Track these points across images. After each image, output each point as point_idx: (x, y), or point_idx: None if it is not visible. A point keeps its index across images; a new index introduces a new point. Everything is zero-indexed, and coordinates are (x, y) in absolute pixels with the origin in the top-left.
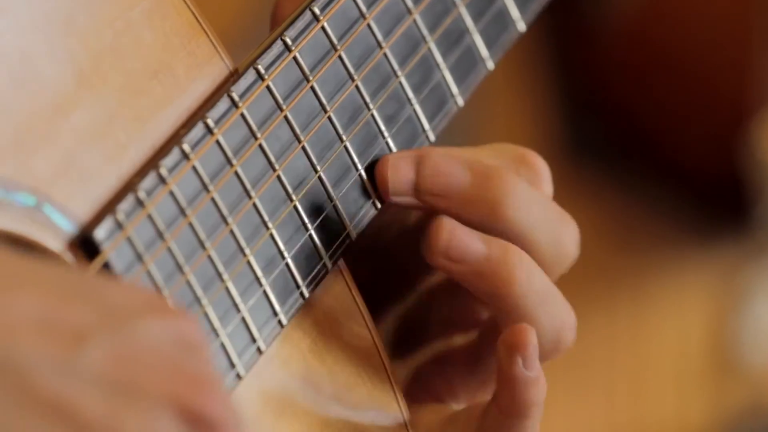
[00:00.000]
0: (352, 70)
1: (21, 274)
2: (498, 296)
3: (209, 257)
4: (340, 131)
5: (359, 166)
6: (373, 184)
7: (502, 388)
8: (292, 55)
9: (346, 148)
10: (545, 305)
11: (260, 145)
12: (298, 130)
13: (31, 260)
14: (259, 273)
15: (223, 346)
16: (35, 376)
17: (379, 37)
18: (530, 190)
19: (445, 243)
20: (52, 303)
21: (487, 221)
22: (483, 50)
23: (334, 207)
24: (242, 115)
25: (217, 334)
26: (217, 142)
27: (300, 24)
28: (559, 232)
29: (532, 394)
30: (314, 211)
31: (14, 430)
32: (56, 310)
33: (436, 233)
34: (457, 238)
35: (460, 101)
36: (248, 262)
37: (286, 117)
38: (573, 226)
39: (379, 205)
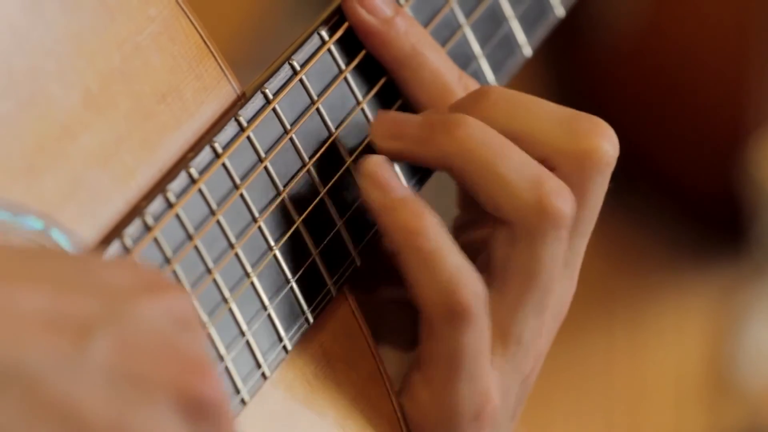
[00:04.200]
0: (358, 93)
1: (19, 268)
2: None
3: (214, 281)
4: (345, 155)
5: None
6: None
7: (377, 220)
8: (298, 78)
9: (350, 171)
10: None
11: (266, 169)
12: (304, 154)
13: (24, 250)
14: (264, 297)
15: (227, 370)
16: (42, 379)
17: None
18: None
19: None
20: (51, 297)
21: None
22: (489, 75)
23: (339, 231)
24: (249, 139)
25: (222, 359)
26: (224, 165)
27: (307, 48)
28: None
29: (401, 216)
30: (319, 235)
31: None
32: (58, 304)
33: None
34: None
35: None
36: (253, 286)
37: (292, 140)
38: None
39: None
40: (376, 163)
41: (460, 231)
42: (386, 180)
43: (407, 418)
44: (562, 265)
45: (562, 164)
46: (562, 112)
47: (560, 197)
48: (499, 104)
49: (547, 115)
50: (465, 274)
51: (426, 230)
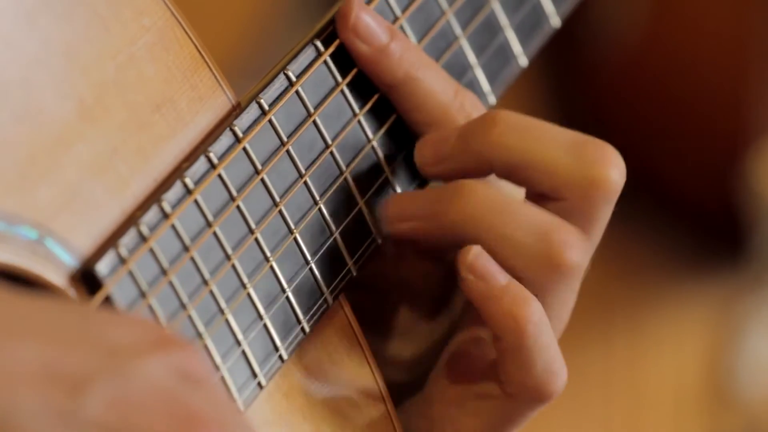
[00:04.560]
0: (354, 104)
1: (20, 320)
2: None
3: (211, 292)
4: (342, 167)
5: (361, 201)
6: (374, 218)
7: (483, 313)
8: (294, 90)
9: (347, 182)
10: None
11: (263, 180)
12: (300, 165)
13: (29, 301)
14: (260, 307)
15: (223, 380)
16: (39, 429)
17: None
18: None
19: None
20: (51, 350)
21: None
22: (485, 85)
23: (336, 242)
24: (245, 150)
25: (218, 369)
26: (220, 176)
27: (303, 58)
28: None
29: (509, 306)
30: (316, 245)
31: None
32: (56, 358)
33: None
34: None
35: None
36: (249, 297)
37: (288, 151)
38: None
39: (380, 241)
40: (474, 254)
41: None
42: (487, 269)
43: None
44: (571, 308)
45: (571, 195)
46: (570, 138)
47: (570, 249)
48: (507, 132)
49: (556, 143)
50: (557, 364)
51: (530, 317)
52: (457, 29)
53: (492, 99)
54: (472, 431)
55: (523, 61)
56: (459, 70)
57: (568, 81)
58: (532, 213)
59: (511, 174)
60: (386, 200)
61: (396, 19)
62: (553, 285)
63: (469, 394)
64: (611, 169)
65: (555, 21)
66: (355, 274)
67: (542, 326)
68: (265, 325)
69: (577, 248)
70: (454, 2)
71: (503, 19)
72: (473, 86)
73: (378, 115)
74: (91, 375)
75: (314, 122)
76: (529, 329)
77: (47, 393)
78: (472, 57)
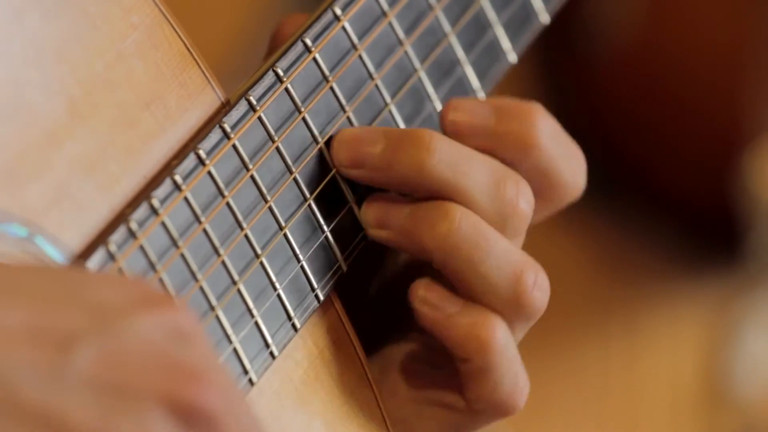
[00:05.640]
0: (343, 100)
1: (4, 283)
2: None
3: (201, 288)
4: (332, 163)
5: (351, 198)
6: (366, 215)
7: (442, 339)
8: (284, 86)
9: (336, 178)
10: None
11: (252, 176)
12: (290, 161)
13: (14, 266)
14: (251, 304)
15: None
16: (23, 388)
17: (371, 68)
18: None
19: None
20: (39, 309)
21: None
22: (474, 81)
23: (326, 238)
24: (234, 146)
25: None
26: (209, 173)
27: (292, 55)
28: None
29: (468, 330)
30: (305, 242)
31: None
32: (44, 317)
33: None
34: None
35: None
36: (240, 293)
37: (278, 148)
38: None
39: (370, 238)
40: (425, 285)
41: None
42: (440, 298)
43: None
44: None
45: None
46: (494, 174)
47: (539, 292)
48: (442, 161)
49: (481, 177)
50: (523, 377)
51: (494, 334)
52: (446, 26)
53: (481, 95)
54: None
55: (513, 57)
56: (448, 66)
57: (564, 81)
58: (506, 250)
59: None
60: (367, 201)
61: (384, 16)
62: (517, 325)
63: (427, 400)
64: (524, 203)
65: (544, 17)
66: (345, 269)
67: (508, 343)
68: (255, 322)
69: (545, 290)
70: None
71: (492, 15)
72: (462, 83)
73: (366, 110)
74: (79, 332)
75: (303, 118)
76: (495, 347)
77: (36, 350)
78: (461, 53)
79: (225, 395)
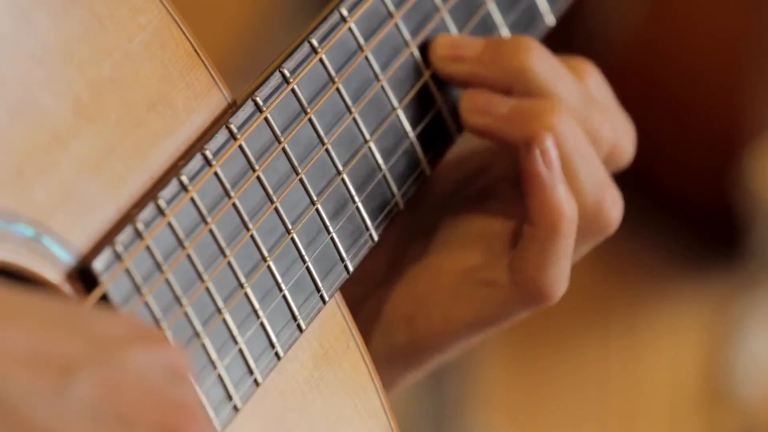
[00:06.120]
0: (349, 102)
1: (11, 307)
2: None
3: (207, 289)
4: (338, 164)
5: (356, 199)
6: (370, 216)
7: (530, 195)
8: (290, 87)
9: (343, 181)
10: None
11: (258, 177)
12: (296, 162)
13: (20, 292)
14: (257, 305)
15: (220, 378)
16: (26, 409)
17: (377, 69)
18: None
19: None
20: (41, 336)
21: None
22: None
23: (332, 240)
24: (240, 147)
25: (214, 366)
26: (216, 173)
27: (298, 56)
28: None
29: (558, 199)
30: (311, 243)
31: None
32: (46, 343)
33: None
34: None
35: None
36: (246, 295)
37: (284, 149)
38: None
39: (376, 238)
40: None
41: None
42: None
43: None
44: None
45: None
46: (582, 91)
47: (616, 209)
48: (540, 61)
49: (575, 90)
50: (566, 273)
51: (565, 214)
52: (453, 28)
53: None
54: (462, 319)
55: (550, 19)
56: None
57: None
58: (597, 161)
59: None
60: (466, 93)
61: (391, 17)
62: (587, 238)
63: (469, 278)
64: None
65: (549, 19)
66: (350, 271)
67: (572, 226)
68: (261, 323)
69: (620, 212)
70: (449, 0)
71: (498, 17)
72: None
73: (374, 113)
74: (80, 360)
75: (310, 119)
76: (563, 228)
77: (38, 375)
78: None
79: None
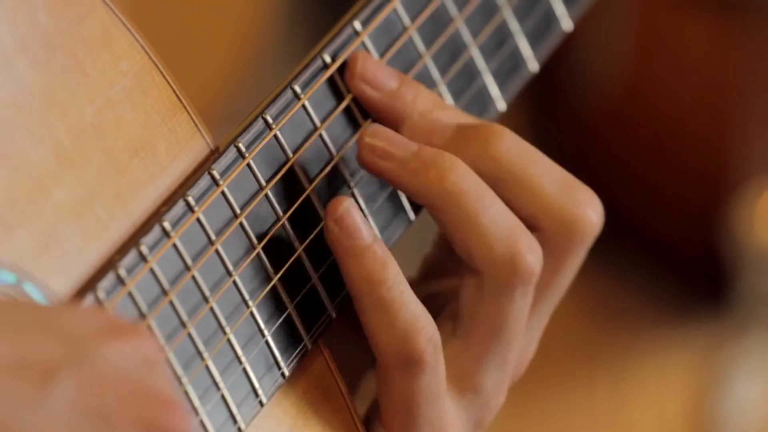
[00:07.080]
0: (333, 148)
1: None
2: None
3: (189, 335)
4: (321, 210)
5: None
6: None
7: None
8: (273, 133)
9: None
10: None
11: (241, 224)
12: (279, 210)
13: None
14: (239, 351)
15: (203, 424)
16: (10, 417)
17: (359, 118)
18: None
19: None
20: (14, 343)
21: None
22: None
23: (314, 286)
24: (223, 193)
25: (197, 413)
26: (198, 220)
27: (281, 102)
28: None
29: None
30: (295, 289)
31: None
32: (20, 350)
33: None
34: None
35: None
36: (228, 341)
37: (267, 195)
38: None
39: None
40: (345, 207)
41: (430, 270)
42: (355, 225)
43: None
44: (526, 321)
45: (549, 226)
46: (564, 176)
47: (533, 254)
48: (511, 150)
49: (550, 175)
50: (421, 321)
51: (387, 280)
52: (436, 75)
53: (501, 105)
54: None
55: (501, 105)
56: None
57: (551, 125)
58: (506, 211)
59: (497, 188)
60: (369, 131)
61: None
62: (509, 288)
63: None
64: (594, 213)
65: (533, 65)
66: (334, 317)
67: (400, 286)
68: (244, 369)
69: (540, 259)
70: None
71: (481, 63)
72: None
73: (356, 160)
74: (56, 363)
75: (293, 166)
76: (383, 291)
77: (19, 381)
78: (449, 100)
79: (188, 420)
